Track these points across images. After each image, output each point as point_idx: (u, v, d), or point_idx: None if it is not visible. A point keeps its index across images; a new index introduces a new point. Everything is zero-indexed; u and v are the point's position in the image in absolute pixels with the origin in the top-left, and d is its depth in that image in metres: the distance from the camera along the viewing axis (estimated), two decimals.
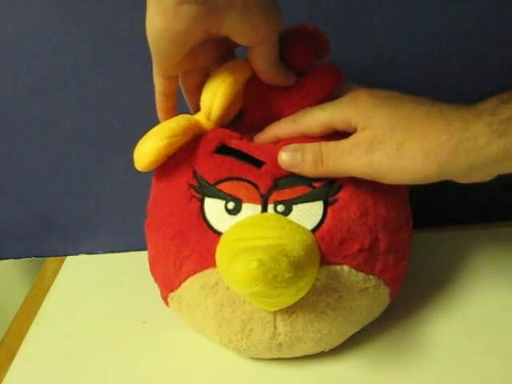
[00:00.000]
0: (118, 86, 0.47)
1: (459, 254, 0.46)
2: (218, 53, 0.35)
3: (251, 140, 0.36)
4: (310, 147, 0.33)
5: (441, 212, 0.51)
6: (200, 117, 0.36)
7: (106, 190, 0.51)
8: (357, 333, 0.37)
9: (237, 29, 0.31)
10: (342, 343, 0.36)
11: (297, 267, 0.28)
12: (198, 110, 0.37)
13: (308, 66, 0.36)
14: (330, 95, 0.35)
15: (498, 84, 0.46)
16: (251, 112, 0.37)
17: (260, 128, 0.37)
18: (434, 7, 0.44)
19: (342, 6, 0.44)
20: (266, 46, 0.33)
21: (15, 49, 0.45)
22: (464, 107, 0.31)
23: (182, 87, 0.38)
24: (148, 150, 0.34)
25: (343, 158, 0.32)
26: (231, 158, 0.35)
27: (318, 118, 0.34)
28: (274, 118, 0.36)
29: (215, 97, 0.34)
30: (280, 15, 0.33)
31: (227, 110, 0.35)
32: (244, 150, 0.35)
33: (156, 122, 0.38)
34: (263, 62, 0.34)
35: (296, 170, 0.33)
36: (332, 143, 0.33)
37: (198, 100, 0.36)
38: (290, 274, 0.28)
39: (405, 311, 0.40)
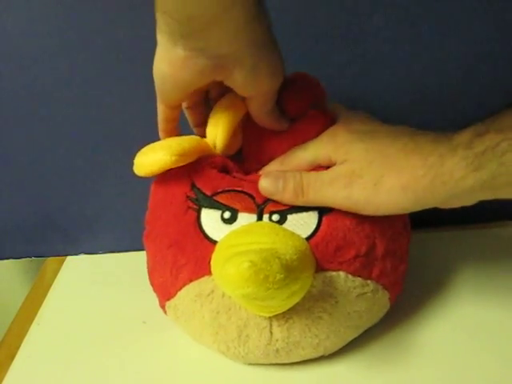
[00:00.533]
0: (120, 87, 0.47)
1: (459, 254, 0.46)
2: (219, 88, 0.36)
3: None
4: (292, 176, 0.34)
5: (440, 212, 0.51)
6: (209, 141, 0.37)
7: (106, 190, 0.51)
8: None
9: (241, 85, 0.33)
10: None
11: (289, 269, 0.28)
12: (197, 125, 0.39)
13: (302, 113, 0.37)
14: None
15: (500, 83, 0.46)
16: (247, 149, 0.39)
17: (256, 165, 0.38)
18: (434, 7, 0.44)
19: (341, 5, 0.44)
20: (264, 98, 0.34)
21: (15, 49, 0.45)
22: (440, 139, 0.31)
23: (187, 115, 0.39)
24: (154, 161, 0.34)
25: (323, 190, 0.33)
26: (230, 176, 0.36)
27: (302, 157, 0.35)
28: (266, 156, 0.37)
29: (217, 129, 0.35)
30: (283, 71, 0.34)
31: (231, 141, 0.36)
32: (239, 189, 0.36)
33: (157, 124, 0.38)
34: (259, 110, 0.35)
35: (276, 198, 0.34)
36: (313, 174, 0.34)
37: (198, 116, 0.38)
38: (282, 276, 0.28)
39: (404, 311, 0.40)
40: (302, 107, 0.37)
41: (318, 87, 0.38)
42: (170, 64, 0.31)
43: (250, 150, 0.39)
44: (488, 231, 0.49)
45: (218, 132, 0.35)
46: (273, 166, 0.37)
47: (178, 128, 0.39)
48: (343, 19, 0.44)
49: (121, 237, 0.53)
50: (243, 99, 0.35)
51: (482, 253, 0.46)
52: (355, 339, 0.37)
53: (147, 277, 0.39)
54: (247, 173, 0.38)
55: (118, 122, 0.48)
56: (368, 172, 0.32)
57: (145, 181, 0.39)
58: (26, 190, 0.51)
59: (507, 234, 0.49)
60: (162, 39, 0.31)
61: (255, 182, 0.35)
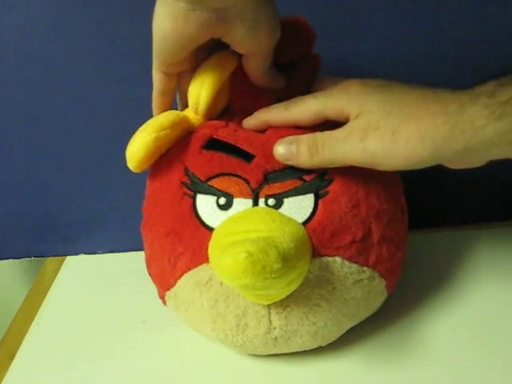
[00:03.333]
0: (120, 86, 0.47)
1: (459, 253, 0.46)
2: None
3: (239, 126, 0.36)
4: (305, 138, 0.33)
5: (440, 212, 0.51)
6: (188, 112, 0.37)
7: (106, 190, 0.51)
8: (355, 330, 0.37)
9: (240, 41, 0.32)
10: (341, 340, 0.36)
11: (286, 258, 0.28)
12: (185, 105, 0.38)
13: (295, 58, 0.37)
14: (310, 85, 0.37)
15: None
16: (238, 103, 0.38)
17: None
18: (434, 7, 0.44)
19: (341, 5, 0.44)
20: (262, 56, 0.34)
21: (15, 49, 0.45)
22: (461, 90, 0.30)
23: (177, 87, 0.38)
24: (137, 147, 0.34)
25: (338, 147, 0.32)
26: (221, 153, 0.35)
27: (310, 106, 0.34)
28: (260, 106, 0.36)
29: (202, 88, 0.34)
30: (280, 28, 0.33)
31: (214, 101, 0.35)
32: (233, 143, 0.35)
33: None
34: (256, 69, 0.35)
35: (292, 163, 0.33)
36: (327, 133, 0.32)
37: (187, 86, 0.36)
38: (279, 265, 0.28)
39: (404, 311, 0.40)
40: (294, 53, 0.37)
41: (307, 29, 0.37)
42: (172, 18, 0.30)
43: (238, 108, 0.38)
44: (488, 231, 0.49)
45: (202, 91, 0.34)
46: (275, 110, 0.35)
47: (171, 106, 0.38)
48: (343, 19, 0.44)
49: (121, 237, 0.52)
50: (235, 58, 0.35)
51: (482, 253, 0.46)
52: (354, 333, 0.37)
53: (147, 277, 0.39)
54: (237, 123, 0.37)
55: (118, 122, 0.48)
56: (385, 123, 0.31)
57: (144, 181, 0.39)
58: (26, 189, 0.51)
59: (507, 234, 0.49)
60: None
61: (252, 140, 0.35)
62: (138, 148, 0.34)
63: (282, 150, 0.33)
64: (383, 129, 0.31)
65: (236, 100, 0.38)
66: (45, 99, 0.47)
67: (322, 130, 0.33)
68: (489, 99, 0.29)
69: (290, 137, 0.33)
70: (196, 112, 0.35)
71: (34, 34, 0.44)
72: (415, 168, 0.31)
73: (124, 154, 0.37)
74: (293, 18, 0.37)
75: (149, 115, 0.37)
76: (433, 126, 0.30)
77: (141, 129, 0.35)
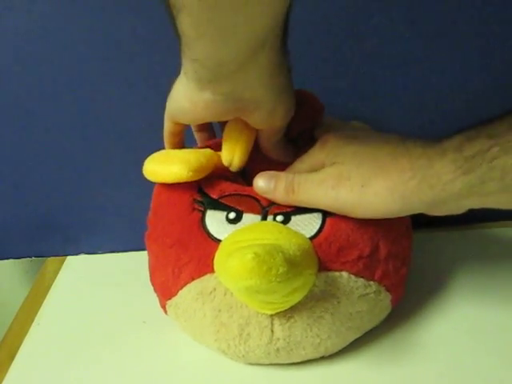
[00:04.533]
0: (121, 87, 0.47)
1: (459, 253, 0.46)
2: None
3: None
4: (284, 176, 0.35)
5: None
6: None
7: (106, 190, 0.51)
8: None
9: (257, 123, 0.34)
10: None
11: (292, 264, 0.28)
12: (204, 144, 0.40)
13: (304, 131, 0.39)
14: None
15: (500, 84, 0.46)
16: (251, 167, 0.39)
17: None
18: (434, 7, 0.44)
19: (340, 6, 0.44)
20: (274, 132, 0.36)
21: (15, 48, 0.45)
22: (430, 143, 0.31)
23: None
24: (170, 173, 0.35)
25: (312, 190, 0.33)
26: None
27: (299, 169, 0.36)
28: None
29: (234, 153, 0.36)
30: (294, 107, 0.35)
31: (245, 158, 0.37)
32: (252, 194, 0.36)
33: (157, 123, 0.38)
34: (267, 141, 0.37)
35: (269, 197, 0.35)
36: (304, 174, 0.34)
37: (206, 136, 0.40)
38: (285, 269, 0.28)
39: (404, 311, 0.40)
40: (304, 127, 0.39)
41: (316, 103, 0.39)
42: (192, 103, 0.32)
43: (255, 168, 0.39)
44: (488, 231, 0.49)
45: (235, 156, 0.36)
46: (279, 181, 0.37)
47: (183, 142, 0.39)
48: (343, 19, 0.44)
49: (121, 237, 0.53)
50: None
51: (481, 253, 0.46)
52: (356, 339, 0.37)
53: (147, 277, 0.39)
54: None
55: (118, 122, 0.48)
56: (356, 174, 0.32)
57: (144, 181, 0.39)
58: (26, 189, 0.51)
59: (507, 233, 0.49)
60: (187, 81, 0.31)
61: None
62: (169, 174, 0.35)
63: (261, 183, 0.35)
64: (353, 180, 0.32)
65: (254, 160, 0.39)
66: (45, 99, 0.47)
67: None
68: (456, 154, 0.29)
69: (271, 172, 0.35)
70: (230, 167, 0.37)
71: (34, 34, 0.44)
72: (386, 217, 0.33)
73: (125, 154, 0.37)
74: (302, 92, 0.38)
75: (150, 115, 0.37)
76: (401, 181, 0.31)
77: (181, 157, 0.36)
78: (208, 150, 0.37)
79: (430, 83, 0.47)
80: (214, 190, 0.36)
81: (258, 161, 0.38)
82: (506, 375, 0.34)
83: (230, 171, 0.38)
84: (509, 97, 0.46)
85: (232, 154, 0.37)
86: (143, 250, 0.39)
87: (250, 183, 0.37)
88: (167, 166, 0.35)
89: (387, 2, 0.43)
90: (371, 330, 0.37)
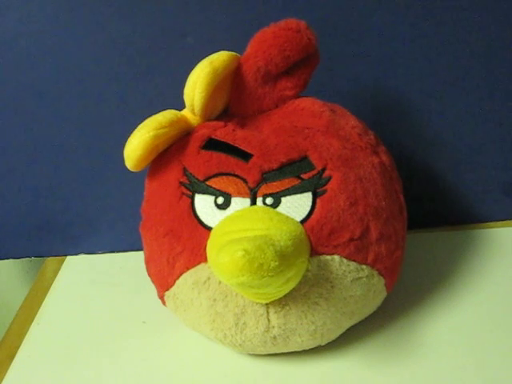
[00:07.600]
0: (121, 86, 0.47)
1: (458, 254, 0.46)
2: None
3: (238, 126, 0.37)
4: None
5: (439, 212, 0.51)
6: (187, 113, 0.37)
7: (106, 190, 0.51)
8: (355, 330, 0.37)
9: None
10: (340, 339, 0.36)
11: (283, 256, 0.28)
12: None
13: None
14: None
15: (499, 82, 0.46)
16: (237, 105, 0.38)
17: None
18: (434, 7, 0.44)
19: (340, 6, 0.44)
20: None
21: (15, 48, 0.45)
22: None
23: None
24: (135, 144, 0.34)
25: None
26: (219, 153, 0.35)
27: None
28: (258, 110, 0.37)
29: (195, 89, 0.34)
30: None
31: (211, 102, 0.35)
32: (231, 143, 0.35)
33: None
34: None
35: None
36: None
37: None
38: (277, 263, 0.28)
39: (404, 311, 0.40)
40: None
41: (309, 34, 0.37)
42: None
43: (237, 109, 0.38)
44: (488, 231, 0.49)
45: (195, 93, 0.34)
46: None
47: None
48: (343, 19, 0.44)
49: (121, 237, 0.53)
50: (232, 59, 0.35)
51: (482, 253, 0.46)
52: (354, 336, 0.37)
53: (147, 277, 0.39)
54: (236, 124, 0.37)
55: (118, 122, 0.48)
56: None
57: (144, 180, 0.39)
58: (26, 189, 0.51)
59: (507, 234, 0.49)
60: None
61: (250, 139, 0.35)
62: (136, 146, 0.34)
63: None
64: None
65: (235, 102, 0.38)
66: (45, 99, 0.47)
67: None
68: None
69: None
70: (193, 113, 0.36)
71: (34, 34, 0.44)
72: None
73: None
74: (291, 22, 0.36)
75: (149, 116, 0.37)
76: None
77: (139, 127, 0.35)
78: (169, 110, 0.36)
79: (430, 83, 0.47)
80: (198, 169, 0.35)
81: (242, 100, 0.37)
82: (506, 375, 0.34)
83: (220, 131, 0.36)
84: (509, 96, 0.46)
85: (192, 94, 0.34)
86: (143, 250, 0.39)
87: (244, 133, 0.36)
88: (132, 141, 0.35)
89: (387, 2, 0.43)
90: (370, 329, 0.37)
